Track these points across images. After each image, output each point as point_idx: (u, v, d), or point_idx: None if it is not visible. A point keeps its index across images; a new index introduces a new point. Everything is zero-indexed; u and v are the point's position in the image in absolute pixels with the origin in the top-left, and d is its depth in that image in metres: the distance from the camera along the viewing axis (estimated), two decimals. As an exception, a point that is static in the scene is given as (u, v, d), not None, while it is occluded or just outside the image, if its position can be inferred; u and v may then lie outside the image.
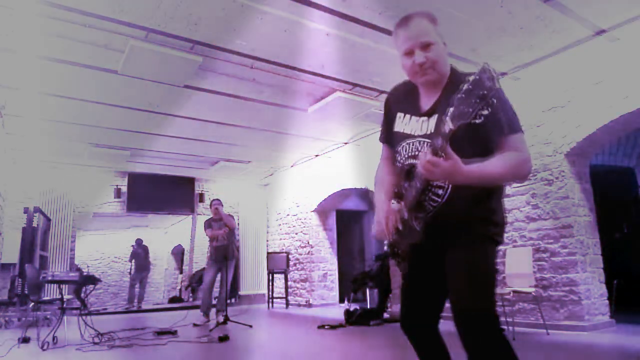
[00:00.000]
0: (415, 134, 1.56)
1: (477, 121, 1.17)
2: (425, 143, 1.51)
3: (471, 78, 1.15)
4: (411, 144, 1.57)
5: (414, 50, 1.50)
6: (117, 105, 5.71)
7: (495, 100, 1.14)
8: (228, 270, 6.22)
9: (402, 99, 1.68)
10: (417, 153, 1.53)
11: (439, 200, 1.48)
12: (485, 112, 1.15)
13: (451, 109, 1.20)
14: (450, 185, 1.46)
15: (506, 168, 1.38)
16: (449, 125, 1.22)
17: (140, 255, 11.04)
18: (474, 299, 1.42)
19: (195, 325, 6.04)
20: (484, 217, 1.51)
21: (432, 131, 1.50)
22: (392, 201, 1.62)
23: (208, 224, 6.56)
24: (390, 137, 1.71)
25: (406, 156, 1.58)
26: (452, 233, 1.50)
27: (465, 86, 1.16)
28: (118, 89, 5.20)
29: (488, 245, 1.51)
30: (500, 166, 1.38)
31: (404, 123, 1.63)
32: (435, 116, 1.52)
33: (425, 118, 1.55)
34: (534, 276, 4.67)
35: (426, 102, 1.58)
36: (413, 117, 1.60)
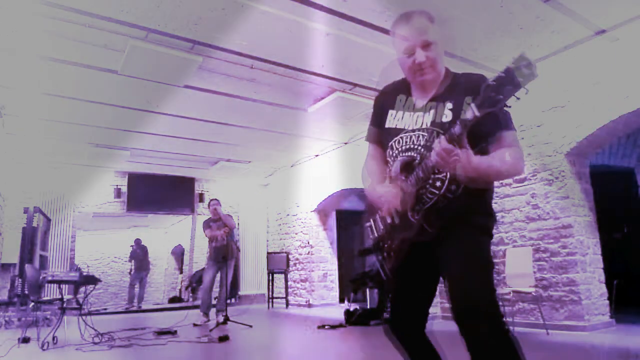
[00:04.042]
0: (410, 128, 1.56)
1: (505, 108, 1.16)
2: (421, 136, 1.51)
3: (504, 67, 1.13)
4: (405, 137, 1.56)
5: (414, 49, 1.50)
6: (118, 105, 5.71)
7: (528, 90, 1.13)
8: (227, 270, 6.23)
9: (393, 97, 1.68)
10: (412, 146, 1.53)
11: (437, 192, 1.47)
12: (515, 100, 1.14)
13: (478, 97, 1.19)
14: (449, 177, 1.44)
15: (510, 163, 1.40)
16: (474, 112, 1.20)
17: (139, 255, 11.04)
18: (472, 290, 1.40)
19: (195, 325, 6.04)
20: (481, 210, 1.52)
21: (429, 125, 1.51)
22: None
23: (207, 225, 6.56)
24: (379, 136, 1.71)
25: (400, 149, 1.57)
26: (449, 225, 1.47)
27: (498, 74, 1.14)
28: (118, 89, 5.19)
29: (484, 235, 1.52)
30: (505, 161, 1.39)
31: (396, 119, 1.62)
32: (432, 111, 1.52)
33: (420, 113, 1.56)
34: (534, 276, 4.68)
35: (421, 98, 1.59)
36: (406, 113, 1.60)
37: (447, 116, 1.49)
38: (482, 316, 1.36)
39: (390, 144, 1.62)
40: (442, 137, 1.30)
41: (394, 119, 1.63)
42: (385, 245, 1.62)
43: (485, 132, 1.42)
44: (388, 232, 1.60)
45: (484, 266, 1.45)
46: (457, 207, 1.46)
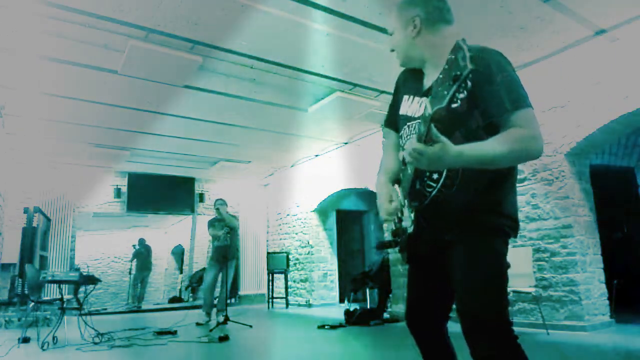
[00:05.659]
0: (415, 116, 1.46)
1: (454, 105, 1.09)
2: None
3: (450, 57, 1.06)
4: (410, 127, 1.48)
5: None
6: (117, 105, 5.70)
7: (470, 83, 1.04)
8: (228, 270, 6.25)
9: (410, 80, 1.58)
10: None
11: (435, 185, 1.36)
12: (461, 95, 1.06)
13: (430, 92, 1.13)
14: (446, 170, 1.34)
15: (509, 146, 1.21)
16: (427, 110, 1.13)
17: (143, 254, 11.06)
18: (480, 303, 1.29)
19: (198, 324, 6.11)
20: (489, 208, 1.35)
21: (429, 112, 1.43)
22: (394, 185, 1.51)
23: (211, 224, 6.66)
24: (396, 121, 1.61)
25: (406, 140, 1.49)
26: (453, 225, 1.35)
27: (445, 66, 1.08)
28: (118, 89, 5.19)
29: (495, 239, 1.35)
30: (501, 144, 1.21)
31: (407, 105, 1.53)
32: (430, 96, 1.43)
33: (424, 99, 1.45)
34: (533, 276, 4.67)
35: (427, 82, 1.49)
36: (415, 98, 1.50)
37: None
38: (485, 339, 1.28)
39: (401, 133, 1.53)
40: (413, 136, 1.21)
41: (406, 105, 1.54)
42: (400, 240, 1.51)
43: (490, 115, 1.27)
44: (401, 225, 1.49)
45: (490, 275, 1.32)
46: (461, 204, 1.34)
